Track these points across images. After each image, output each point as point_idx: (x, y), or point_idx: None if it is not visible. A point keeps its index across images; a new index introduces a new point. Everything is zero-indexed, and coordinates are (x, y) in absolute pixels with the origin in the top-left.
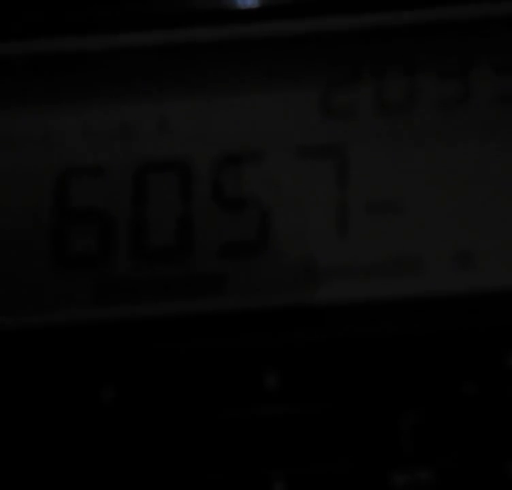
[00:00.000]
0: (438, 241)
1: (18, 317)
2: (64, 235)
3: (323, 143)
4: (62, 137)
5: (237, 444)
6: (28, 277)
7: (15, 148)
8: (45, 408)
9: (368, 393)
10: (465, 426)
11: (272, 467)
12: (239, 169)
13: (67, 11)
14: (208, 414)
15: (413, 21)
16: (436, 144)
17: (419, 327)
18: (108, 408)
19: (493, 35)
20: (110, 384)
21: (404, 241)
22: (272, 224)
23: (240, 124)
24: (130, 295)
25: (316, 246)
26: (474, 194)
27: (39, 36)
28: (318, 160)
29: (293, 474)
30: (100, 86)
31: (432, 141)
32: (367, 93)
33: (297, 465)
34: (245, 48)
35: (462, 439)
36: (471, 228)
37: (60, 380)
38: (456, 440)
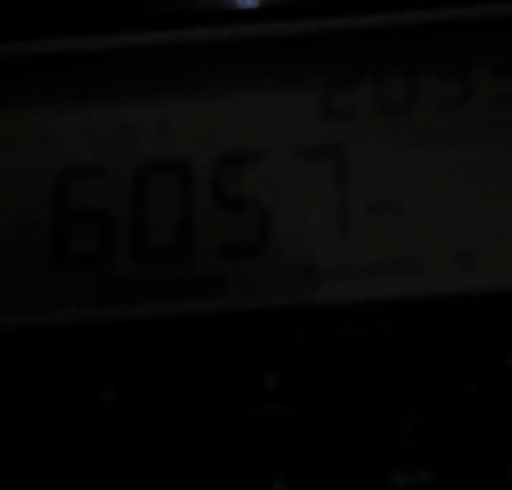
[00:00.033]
0: (438, 242)
1: (18, 317)
2: (64, 235)
3: (323, 143)
4: (62, 137)
5: (237, 444)
6: (28, 277)
7: (15, 148)
8: (46, 408)
9: (368, 393)
10: (465, 426)
11: (272, 467)
12: (239, 169)
13: (67, 11)
14: (208, 414)
15: (413, 22)
16: (436, 144)
17: (419, 327)
18: (108, 408)
19: (493, 36)
20: (110, 384)
21: (404, 242)
22: (272, 224)
23: (239, 124)
24: (130, 295)
25: (316, 246)
26: (474, 194)
27: (39, 36)
28: (318, 160)
29: (293, 474)
30: (100, 86)
31: (432, 141)
32: (367, 94)
33: (297, 465)
34: (245, 49)
35: (462, 439)
36: (471, 228)
37: (61, 380)
38: (456, 440)
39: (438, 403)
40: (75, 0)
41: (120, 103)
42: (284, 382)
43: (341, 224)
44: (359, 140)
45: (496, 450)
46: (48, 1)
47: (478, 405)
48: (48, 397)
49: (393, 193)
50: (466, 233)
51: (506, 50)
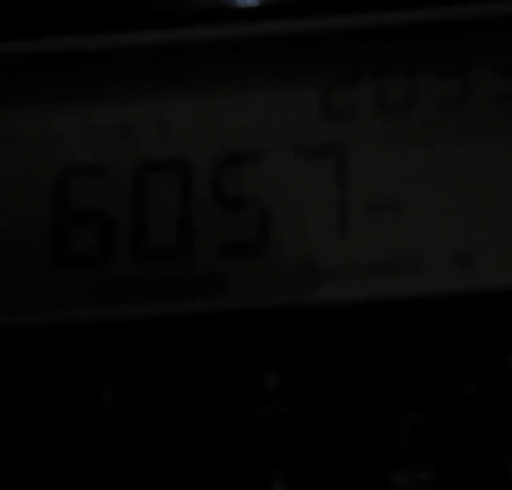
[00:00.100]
0: (438, 241)
1: (18, 317)
2: (64, 235)
3: (323, 143)
4: (62, 136)
5: (237, 443)
6: (28, 277)
7: (15, 147)
8: (46, 408)
9: (368, 393)
10: (465, 426)
11: (272, 467)
12: (239, 169)
13: (67, 10)
14: (208, 413)
15: (413, 21)
16: (436, 144)
17: (419, 326)
18: (108, 408)
19: (494, 35)
20: (110, 384)
21: (404, 241)
22: (272, 224)
23: (239, 123)
24: (130, 295)
25: (316, 246)
26: (474, 194)
27: (39, 35)
28: (318, 160)
29: (293, 474)
30: (100, 85)
31: (432, 141)
32: (367, 93)
33: (297, 465)
34: (245, 48)
35: (462, 439)
36: (471, 227)
37: (61, 380)
38: (456, 440)
39: (438, 403)
40: (75, 0)
41: (120, 103)
42: (285, 381)
43: (341, 223)
44: (359, 139)
45: (496, 450)
46: (48, 0)
47: (479, 405)
48: (48, 397)
49: (393, 193)
50: (465, 232)
51: (506, 50)
